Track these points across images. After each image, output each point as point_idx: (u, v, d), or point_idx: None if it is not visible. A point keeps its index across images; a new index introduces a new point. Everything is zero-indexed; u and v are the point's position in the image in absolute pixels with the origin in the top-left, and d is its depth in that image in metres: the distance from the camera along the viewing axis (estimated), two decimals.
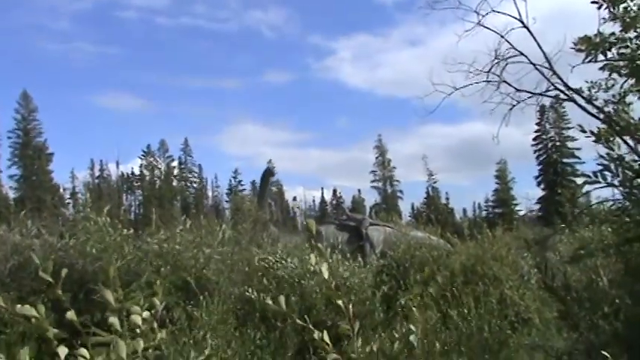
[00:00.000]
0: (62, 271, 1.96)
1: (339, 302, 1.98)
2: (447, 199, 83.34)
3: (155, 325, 1.92)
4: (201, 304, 6.85)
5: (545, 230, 18.96)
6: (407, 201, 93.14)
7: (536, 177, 70.07)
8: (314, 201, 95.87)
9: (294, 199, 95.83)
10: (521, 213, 65.52)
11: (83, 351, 1.67)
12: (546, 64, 6.18)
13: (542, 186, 68.84)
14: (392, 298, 8.37)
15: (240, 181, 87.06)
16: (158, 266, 7.76)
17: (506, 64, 6.39)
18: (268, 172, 18.81)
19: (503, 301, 8.80)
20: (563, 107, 65.38)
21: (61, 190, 72.79)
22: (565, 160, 67.93)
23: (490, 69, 6.50)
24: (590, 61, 5.65)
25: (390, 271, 10.37)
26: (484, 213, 77.87)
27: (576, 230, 9.42)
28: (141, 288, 6.99)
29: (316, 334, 1.96)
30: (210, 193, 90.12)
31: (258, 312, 7.33)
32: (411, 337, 2.69)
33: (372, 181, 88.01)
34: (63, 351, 1.68)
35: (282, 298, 2.13)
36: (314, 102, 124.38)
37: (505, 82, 6.26)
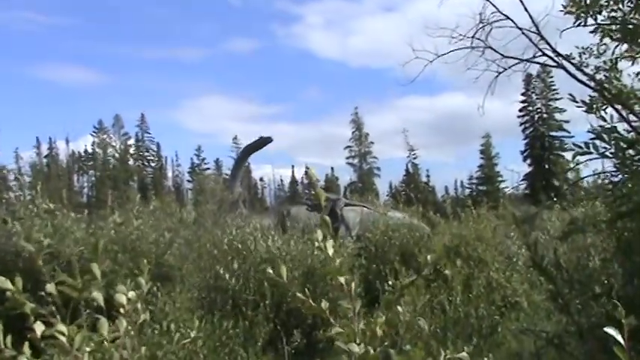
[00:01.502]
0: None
1: (342, 280, 2.00)
2: (428, 176, 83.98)
3: (139, 306, 1.95)
4: (163, 293, 6.83)
5: (532, 208, 19.26)
6: (384, 179, 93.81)
7: (523, 152, 70.81)
8: (282, 181, 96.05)
9: (261, 179, 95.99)
10: (507, 190, 66.46)
11: (61, 327, 1.67)
12: (534, 29, 6.21)
13: (528, 161, 69.61)
14: (371, 282, 8.45)
15: (203, 159, 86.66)
16: (115, 252, 7.70)
17: (492, 29, 6.41)
18: (256, 144, 18.52)
19: (490, 284, 8.94)
20: (551, 76, 65.98)
21: (4, 171, 71.53)
22: (553, 134, 68.69)
23: (474, 34, 6.51)
24: (580, 25, 5.69)
25: (369, 254, 10.46)
26: (467, 191, 78.74)
27: (565, 207, 9.60)
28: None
29: (323, 304, 1.99)
30: (170, 173, 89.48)
31: (228, 299, 7.34)
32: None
33: (348, 158, 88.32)
34: (40, 327, 1.69)
35: (283, 268, 2.16)
36: (282, 73, 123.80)
37: (490, 47, 6.27)
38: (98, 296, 1.86)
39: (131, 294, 1.95)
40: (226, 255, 8.14)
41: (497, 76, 6.42)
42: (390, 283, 5.93)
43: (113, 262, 7.48)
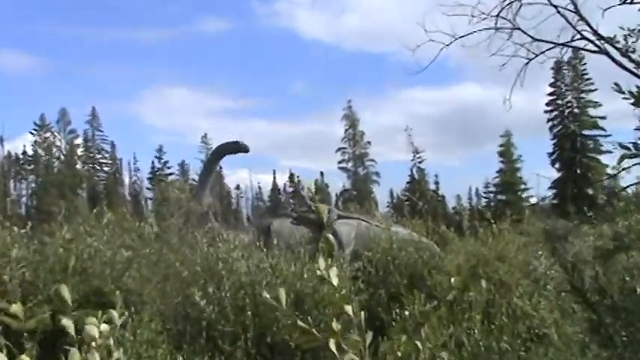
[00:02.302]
0: None
1: (348, 309, 2.00)
2: (437, 183, 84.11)
3: (111, 341, 1.94)
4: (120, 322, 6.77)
5: (561, 222, 19.32)
6: (384, 186, 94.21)
7: (550, 154, 70.81)
8: (260, 188, 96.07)
9: (238, 186, 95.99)
10: (532, 200, 66.50)
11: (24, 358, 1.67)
12: (571, 7, 6.23)
13: (557, 165, 69.59)
14: (371, 310, 8.45)
15: (165, 163, 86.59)
16: (63, 274, 7.67)
17: (520, 6, 6.43)
18: (229, 147, 18.48)
19: (514, 312, 8.96)
20: (584, 63, 66.36)
21: None
22: (586, 133, 68.68)
23: (499, 12, 6.54)
24: (625, 2, 5.71)
25: (367, 277, 10.46)
26: (484, 201, 78.95)
27: (603, 221, 9.63)
28: (40, 303, 6.88)
29: (332, 344, 1.99)
30: (126, 179, 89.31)
31: (201, 330, 7.31)
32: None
33: (340, 162, 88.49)
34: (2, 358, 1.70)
35: (282, 292, 2.16)
36: (261, 59, 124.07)
37: (519, 29, 6.29)
38: (69, 324, 1.85)
39: (103, 327, 1.95)
40: (198, 277, 8.12)
41: (527, 62, 6.46)
42: (397, 311, 5.91)
43: (62, 284, 7.43)
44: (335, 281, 2.10)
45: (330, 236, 2.48)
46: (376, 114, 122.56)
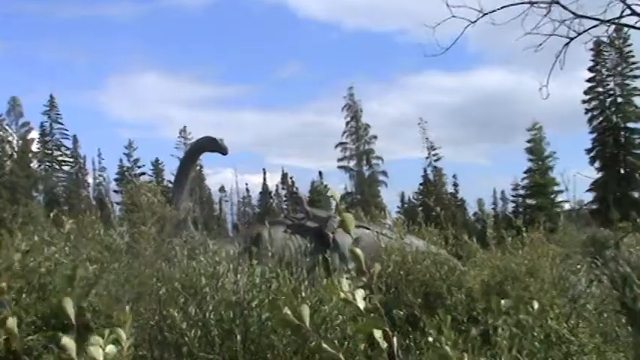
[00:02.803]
0: None
1: (378, 334, 2.04)
2: (455, 185, 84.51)
3: None
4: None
5: (603, 230, 19.30)
6: (393, 188, 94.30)
7: (589, 151, 70.49)
8: (248, 191, 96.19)
9: (222, 188, 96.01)
10: (568, 205, 66.37)
11: None
12: None
13: (597, 164, 69.18)
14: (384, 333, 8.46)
15: (136, 161, 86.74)
16: (18, 291, 7.68)
17: None
18: (206, 143, 18.48)
19: (547, 337, 8.97)
20: (629, 44, 65.91)
21: None
22: (631, 126, 68.28)
23: None
24: None
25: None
26: (511, 206, 78.90)
27: None
28: None
29: None
30: (90, 180, 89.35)
31: (181, 358, 7.33)
32: None
33: (341, 160, 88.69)
34: None
35: (306, 310, 2.20)
36: (248, 39, 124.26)
37: (558, 3, 6.29)
38: (69, 343, 1.87)
39: (110, 348, 1.96)
40: (177, 296, 8.13)
41: (567, 42, 6.43)
42: (410, 336, 5.92)
43: (16, 303, 7.45)
44: (362, 304, 2.14)
45: (357, 250, 2.49)
46: (383, 104, 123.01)
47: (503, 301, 2.47)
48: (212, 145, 17.60)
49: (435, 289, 10.94)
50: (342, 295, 2.21)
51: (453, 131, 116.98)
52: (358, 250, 2.35)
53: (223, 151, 17.49)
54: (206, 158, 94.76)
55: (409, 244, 13.29)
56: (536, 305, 4.44)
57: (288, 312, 2.26)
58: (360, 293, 2.19)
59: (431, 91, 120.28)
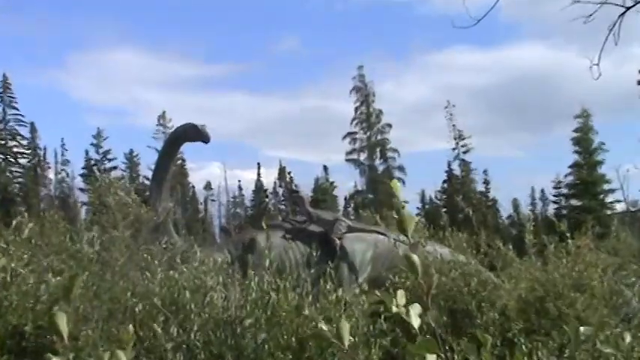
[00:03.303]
0: None
1: (431, 358, 2.08)
2: (486, 182, 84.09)
3: None
4: None
5: None
6: (412, 186, 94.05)
7: None
8: (240, 189, 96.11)
9: (208, 185, 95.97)
10: (620, 207, 66.13)
11: None
12: None
13: None
14: (400, 358, 8.47)
15: (106, 153, 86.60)
16: None
17: None
18: (186, 132, 18.30)
19: None
20: None
21: None
22: None
23: None
24: None
25: (392, 314, 10.48)
26: (553, 207, 78.44)
27: None
28: None
29: None
30: (52, 175, 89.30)
31: None
32: None
33: (350, 152, 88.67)
34: None
35: (345, 326, 2.23)
36: (238, 9, 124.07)
37: None
38: None
39: None
40: (156, 313, 8.14)
41: (623, 12, 6.40)
42: None
43: None
44: (416, 322, 2.18)
45: (414, 257, 2.46)
46: (399, 86, 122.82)
47: (582, 329, 2.48)
48: (193, 132, 17.33)
49: (462, 305, 10.93)
50: (395, 309, 2.22)
51: (483, 118, 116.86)
52: (415, 258, 2.37)
53: (205, 138, 17.21)
54: (189, 150, 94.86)
55: (432, 253, 13.32)
56: (628, 338, 4.38)
57: (324, 326, 2.29)
58: (416, 309, 2.22)
59: (456, 70, 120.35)
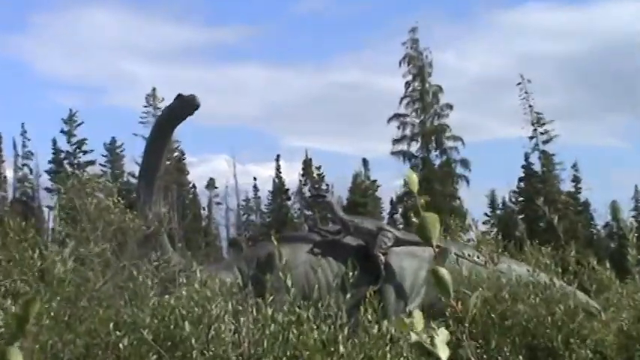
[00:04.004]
0: None
1: None
2: (576, 180, 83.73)
3: None
4: None
5: None
6: (479, 185, 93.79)
7: None
8: (256, 189, 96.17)
9: (210, 183, 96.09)
10: None
11: None
12: None
13: None
14: None
15: (80, 143, 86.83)
16: None
17: None
18: (174, 109, 18.05)
19: None
20: None
21: None
22: None
23: None
24: None
25: (455, 349, 10.49)
26: None
27: None
28: None
29: None
30: (9, 172, 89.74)
31: None
32: None
33: (398, 141, 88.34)
34: None
35: None
36: None
37: None
38: None
39: None
40: (146, 351, 8.20)
41: None
42: None
43: None
44: (444, 354, 2.19)
45: (443, 270, 2.45)
46: (460, 54, 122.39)
47: None
48: (177, 106, 17.00)
49: (545, 341, 10.92)
50: (414, 336, 2.23)
51: (569, 97, 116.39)
52: (444, 272, 2.35)
53: (192, 105, 16.63)
54: (188, 139, 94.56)
55: (505, 272, 13.30)
56: None
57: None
58: (442, 336, 2.22)
59: (532, 34, 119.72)
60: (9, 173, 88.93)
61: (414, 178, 2.63)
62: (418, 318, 2.38)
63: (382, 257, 15.91)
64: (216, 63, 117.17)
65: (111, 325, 8.72)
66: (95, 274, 10.87)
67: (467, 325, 9.12)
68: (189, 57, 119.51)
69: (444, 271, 2.32)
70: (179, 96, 16.71)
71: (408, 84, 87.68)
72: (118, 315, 9.07)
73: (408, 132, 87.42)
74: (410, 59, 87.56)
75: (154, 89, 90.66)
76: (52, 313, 8.67)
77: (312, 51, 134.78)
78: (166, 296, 9.97)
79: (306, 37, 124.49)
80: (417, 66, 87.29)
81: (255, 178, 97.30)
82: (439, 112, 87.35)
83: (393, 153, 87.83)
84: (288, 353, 8.47)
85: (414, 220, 21.46)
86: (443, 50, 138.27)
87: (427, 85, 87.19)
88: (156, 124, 20.82)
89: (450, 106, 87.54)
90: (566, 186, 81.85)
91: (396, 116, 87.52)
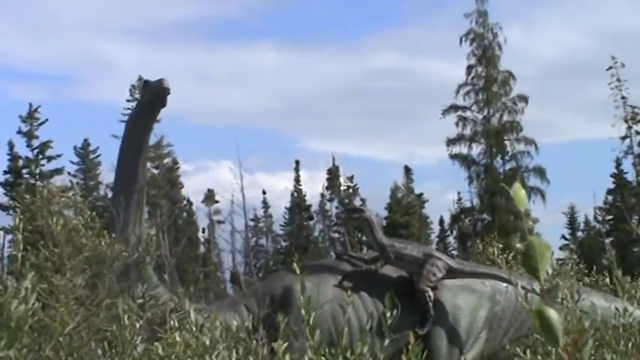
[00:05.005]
0: None
1: None
2: None
3: None
4: None
5: None
6: (556, 199, 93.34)
7: None
8: (266, 205, 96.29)
9: (209, 196, 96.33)
10: None
11: None
12: None
13: None
14: None
15: (44, 146, 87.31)
16: None
17: None
18: (144, 100, 18.02)
19: None
20: None
21: None
22: None
23: None
24: None
25: None
26: None
27: None
28: None
29: None
30: None
31: None
32: None
33: (453, 142, 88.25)
34: None
35: None
36: None
37: None
38: None
39: None
40: None
41: None
42: None
43: None
44: None
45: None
46: (530, 31, 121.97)
47: None
48: (145, 94, 16.90)
49: None
50: None
51: None
52: (552, 313, 2.39)
53: (161, 91, 16.39)
54: (182, 143, 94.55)
55: (588, 311, 13.33)
56: None
57: None
58: None
59: (622, 8, 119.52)
60: None
61: (523, 194, 2.64)
62: None
63: (430, 293, 15.88)
64: (217, 44, 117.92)
65: None
66: (64, 314, 10.94)
67: None
68: (181, 37, 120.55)
69: (552, 312, 2.34)
70: (145, 83, 16.71)
71: (469, 69, 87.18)
72: None
73: (468, 131, 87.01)
74: (472, 38, 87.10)
75: (139, 78, 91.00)
76: None
77: (339, 29, 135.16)
78: (155, 343, 10.04)
79: (332, 12, 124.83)
80: (481, 47, 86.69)
81: (264, 192, 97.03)
82: (510, 107, 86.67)
83: (452, 157, 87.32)
84: None
85: (473, 247, 21.41)
86: (505, 24, 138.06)
87: (494, 72, 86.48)
88: (127, 123, 20.75)
89: (524, 99, 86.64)
90: None
91: (453, 108, 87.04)
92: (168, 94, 16.75)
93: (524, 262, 2.75)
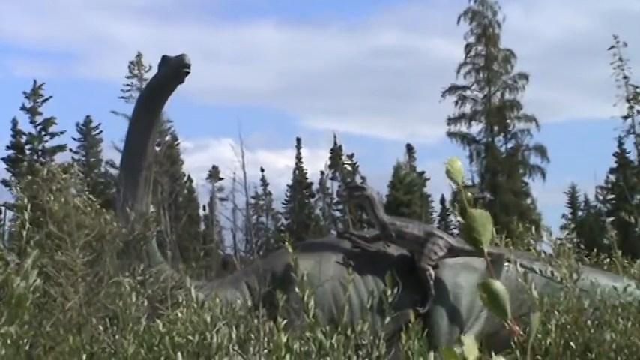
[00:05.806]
0: None
1: None
2: None
3: None
4: None
5: None
6: (557, 179, 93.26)
7: None
8: (264, 183, 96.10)
9: (214, 175, 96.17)
10: None
11: None
12: None
13: None
14: None
15: (46, 124, 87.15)
16: None
17: None
18: (161, 76, 17.90)
19: None
20: None
21: None
22: None
23: None
24: None
25: None
26: None
27: None
28: None
29: None
30: None
31: None
32: None
33: (454, 120, 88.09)
34: None
35: None
36: None
37: None
38: None
39: None
40: None
41: None
42: None
43: None
44: None
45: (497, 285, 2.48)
46: (531, 10, 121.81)
47: None
48: (163, 70, 16.83)
49: None
50: None
51: None
52: (497, 284, 2.38)
53: (181, 70, 16.38)
54: (182, 120, 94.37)
55: (589, 289, 13.29)
56: None
57: None
58: None
59: None
60: None
61: (458, 165, 2.65)
62: (470, 346, 2.43)
63: (432, 271, 15.86)
64: (219, 21, 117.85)
65: (84, 356, 8.79)
66: (64, 290, 10.92)
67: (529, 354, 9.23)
68: (183, 14, 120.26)
69: (497, 284, 2.33)
70: (164, 58, 16.61)
71: (469, 47, 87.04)
72: (93, 343, 9.13)
73: (467, 109, 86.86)
74: (473, 14, 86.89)
75: (138, 55, 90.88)
76: (10, 341, 8.75)
77: (343, 7, 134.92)
78: (155, 320, 10.01)
79: None
80: (481, 25, 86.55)
81: (262, 169, 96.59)
82: (510, 85, 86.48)
83: (449, 135, 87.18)
84: None
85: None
86: (506, 4, 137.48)
87: (494, 50, 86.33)
88: (140, 98, 20.69)
89: (524, 76, 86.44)
90: None
91: (453, 88, 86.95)
92: (189, 71, 16.76)
93: (465, 234, 2.77)
